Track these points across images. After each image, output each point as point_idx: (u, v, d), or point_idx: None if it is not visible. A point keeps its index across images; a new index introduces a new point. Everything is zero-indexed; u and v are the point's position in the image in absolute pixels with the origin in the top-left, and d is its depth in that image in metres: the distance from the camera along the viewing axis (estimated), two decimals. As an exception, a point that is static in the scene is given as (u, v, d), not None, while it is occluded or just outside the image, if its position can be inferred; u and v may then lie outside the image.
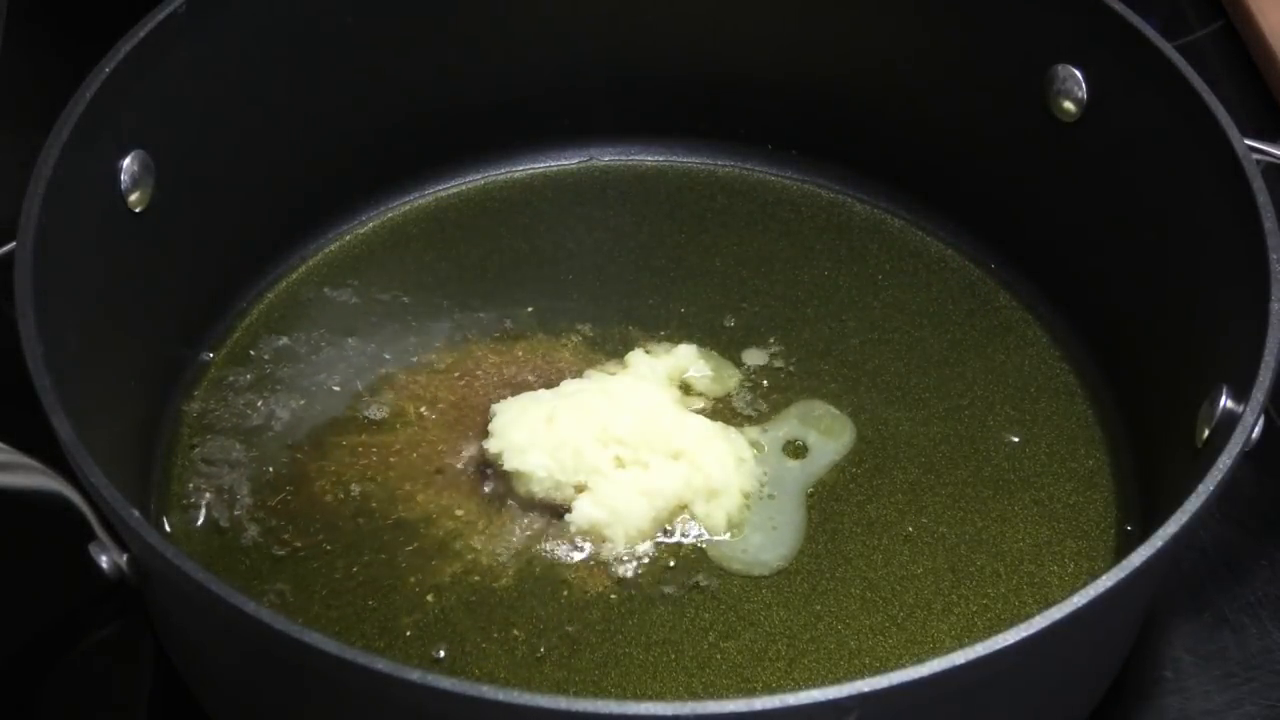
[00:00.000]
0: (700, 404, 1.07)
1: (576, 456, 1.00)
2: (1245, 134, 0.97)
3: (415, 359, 1.10)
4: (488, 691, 0.74)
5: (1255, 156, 0.96)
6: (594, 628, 0.96)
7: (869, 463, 1.05)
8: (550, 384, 1.07)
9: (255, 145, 1.10)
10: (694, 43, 1.20)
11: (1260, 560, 1.06)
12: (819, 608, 0.97)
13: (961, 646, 0.75)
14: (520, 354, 1.10)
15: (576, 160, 1.24)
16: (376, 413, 1.06)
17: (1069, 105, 1.09)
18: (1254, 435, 0.86)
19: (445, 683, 0.74)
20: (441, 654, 0.94)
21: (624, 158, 1.24)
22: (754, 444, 1.04)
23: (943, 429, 1.07)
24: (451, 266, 1.17)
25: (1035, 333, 1.13)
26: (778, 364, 1.10)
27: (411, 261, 1.17)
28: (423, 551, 0.99)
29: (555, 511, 1.00)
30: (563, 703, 0.75)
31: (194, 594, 0.78)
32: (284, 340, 1.11)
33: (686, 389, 1.08)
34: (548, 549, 0.99)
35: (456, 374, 1.09)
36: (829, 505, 1.02)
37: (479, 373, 1.09)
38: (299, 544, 0.99)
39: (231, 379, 1.09)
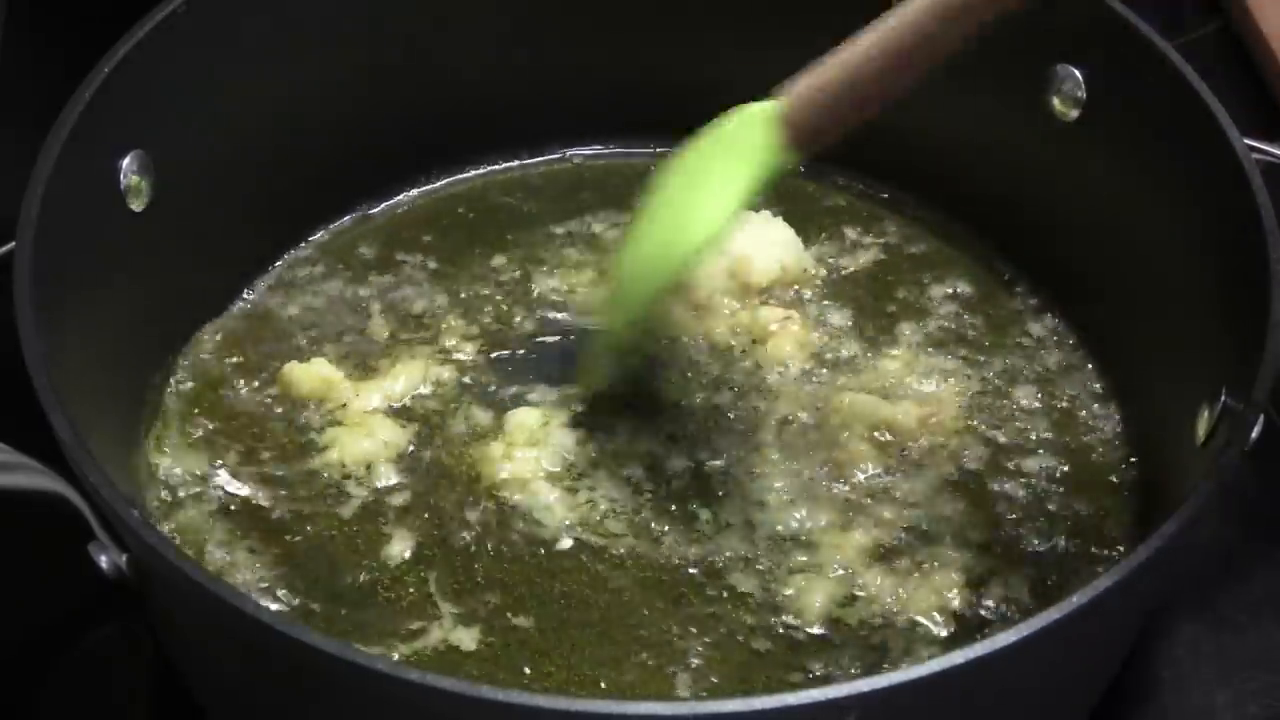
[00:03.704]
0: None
1: None
2: (1245, 134, 0.97)
3: (419, 351, 1.10)
4: (487, 691, 0.74)
5: (1255, 156, 0.96)
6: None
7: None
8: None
9: (254, 145, 1.10)
10: (694, 47, 1.21)
11: (1260, 560, 1.06)
12: (819, 607, 0.98)
13: (961, 646, 0.76)
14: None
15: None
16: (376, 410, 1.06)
17: (1069, 105, 1.09)
18: (1254, 435, 0.86)
19: (445, 683, 0.74)
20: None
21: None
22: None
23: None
24: (450, 266, 1.17)
25: (1036, 333, 1.13)
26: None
27: (411, 260, 1.17)
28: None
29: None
30: (563, 702, 0.75)
31: (193, 594, 0.78)
32: (286, 337, 1.11)
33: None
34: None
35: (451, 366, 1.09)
36: (829, 505, 1.03)
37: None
38: (298, 544, 1.00)
39: (231, 378, 1.09)
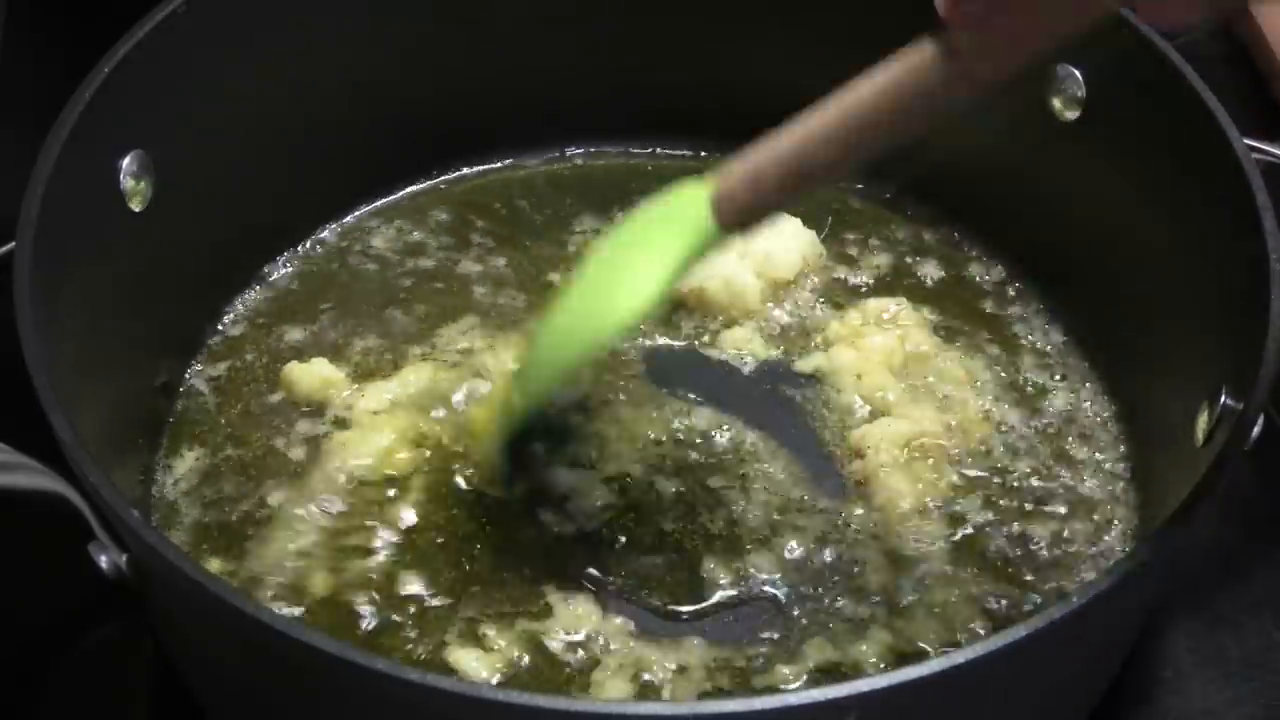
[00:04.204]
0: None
1: None
2: (1245, 134, 0.97)
3: (415, 351, 1.10)
4: (487, 691, 0.74)
5: (1255, 156, 0.96)
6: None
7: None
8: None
9: (254, 145, 1.10)
10: (693, 51, 1.21)
11: (1260, 560, 1.06)
12: (819, 607, 0.98)
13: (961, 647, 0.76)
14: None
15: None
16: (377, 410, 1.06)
17: (1069, 105, 1.09)
18: (1253, 435, 0.86)
19: (445, 683, 0.74)
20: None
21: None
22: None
23: (943, 430, 1.07)
24: (450, 265, 1.17)
25: (1035, 332, 1.13)
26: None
27: (411, 261, 1.17)
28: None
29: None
30: (562, 702, 0.75)
31: (193, 594, 0.78)
32: (284, 339, 1.12)
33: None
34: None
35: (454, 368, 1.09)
36: (829, 505, 1.03)
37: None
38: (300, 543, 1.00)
39: (231, 377, 1.09)
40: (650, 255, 0.92)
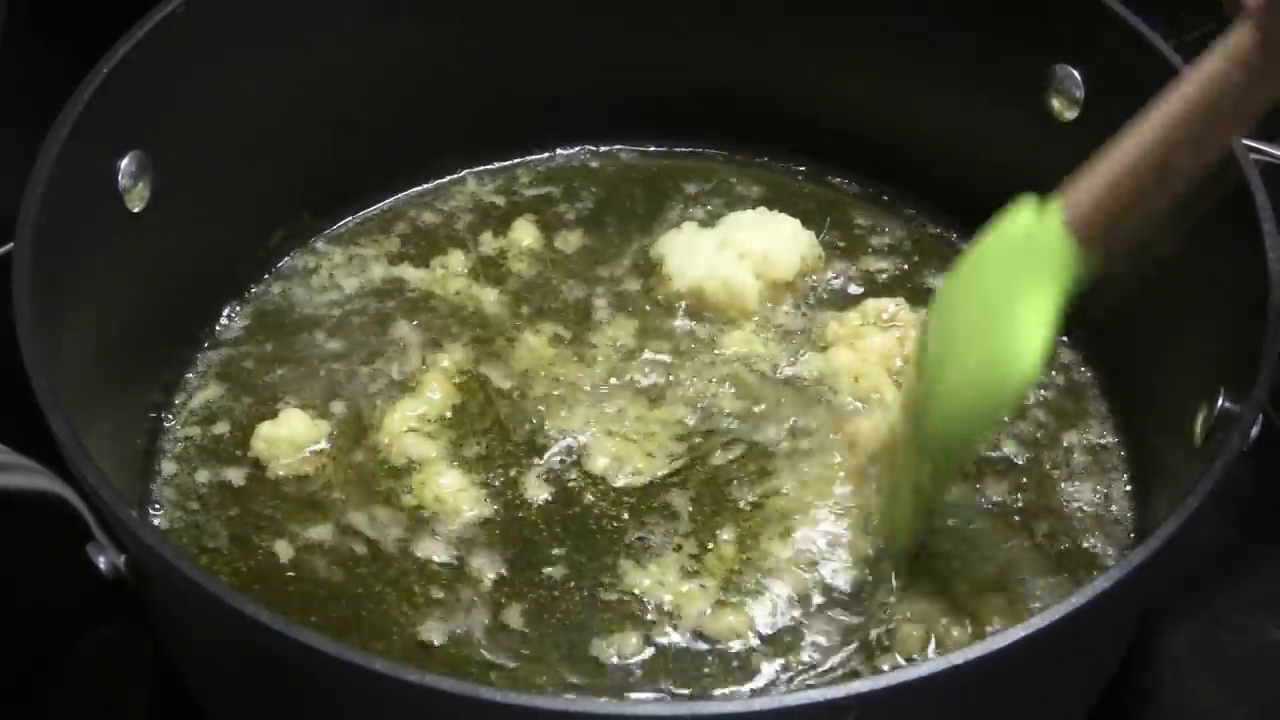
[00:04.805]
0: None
1: None
2: (1245, 134, 0.97)
3: (415, 355, 1.10)
4: (486, 692, 0.74)
5: (1255, 156, 0.96)
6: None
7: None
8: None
9: (253, 145, 1.10)
10: (699, 52, 1.21)
11: (1260, 560, 1.06)
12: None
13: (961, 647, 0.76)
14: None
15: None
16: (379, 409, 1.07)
17: (1068, 105, 1.09)
18: (1253, 435, 0.86)
19: (445, 683, 0.74)
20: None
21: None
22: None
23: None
24: (449, 268, 1.17)
25: (1035, 333, 1.13)
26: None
27: (408, 264, 1.17)
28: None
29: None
30: (562, 703, 0.75)
31: (192, 594, 0.78)
32: (284, 338, 1.12)
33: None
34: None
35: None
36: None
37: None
38: (299, 545, 1.00)
39: (231, 377, 1.09)
40: (1028, 303, 0.84)
